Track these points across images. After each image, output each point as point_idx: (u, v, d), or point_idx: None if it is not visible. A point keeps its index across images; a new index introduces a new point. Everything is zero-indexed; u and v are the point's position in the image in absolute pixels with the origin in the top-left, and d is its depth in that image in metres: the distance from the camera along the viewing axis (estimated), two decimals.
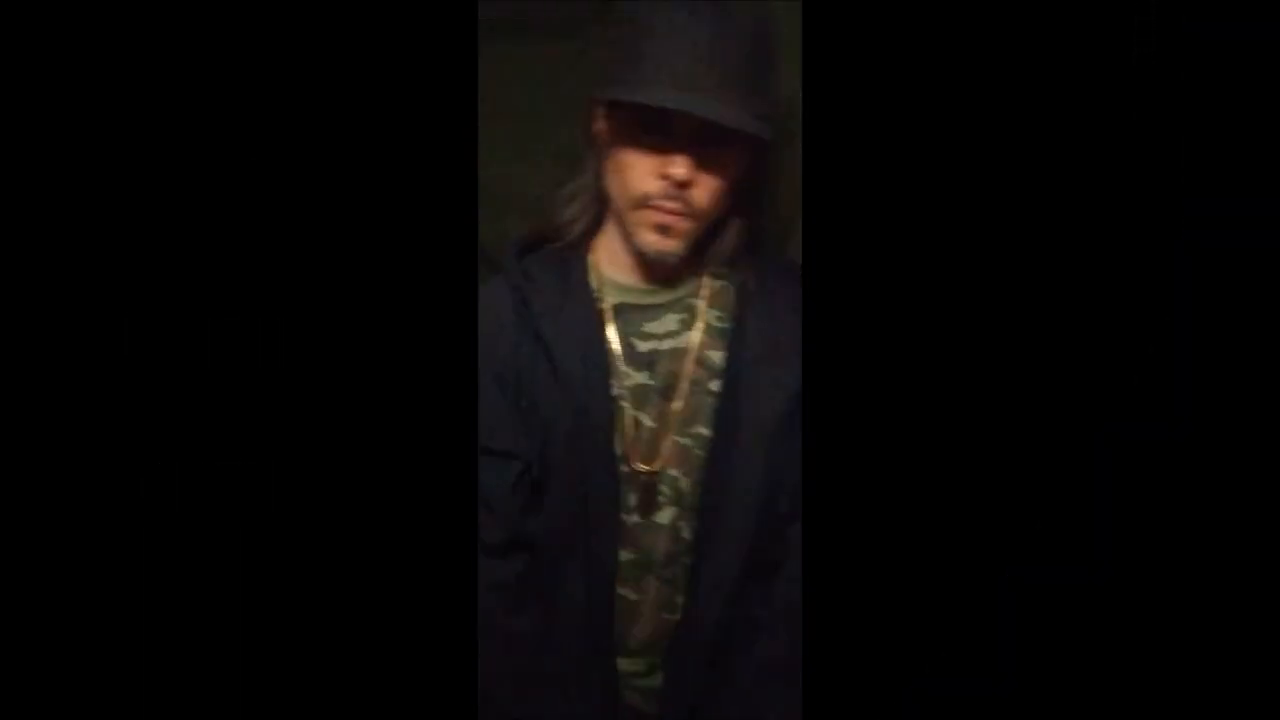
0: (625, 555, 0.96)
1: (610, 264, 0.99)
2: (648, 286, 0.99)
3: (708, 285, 0.99)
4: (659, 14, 0.89)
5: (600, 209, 0.99)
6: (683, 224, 0.92)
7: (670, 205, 0.91)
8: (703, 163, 0.90)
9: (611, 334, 0.97)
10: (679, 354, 0.97)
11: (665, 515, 0.96)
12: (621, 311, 0.98)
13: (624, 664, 0.98)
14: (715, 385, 0.96)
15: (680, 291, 0.99)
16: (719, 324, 0.98)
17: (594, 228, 1.00)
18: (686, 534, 0.96)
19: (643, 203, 0.92)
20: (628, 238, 0.95)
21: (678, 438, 0.96)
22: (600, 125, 0.95)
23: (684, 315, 0.99)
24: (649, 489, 0.96)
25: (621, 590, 0.96)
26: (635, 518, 0.96)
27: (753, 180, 0.98)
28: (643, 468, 0.95)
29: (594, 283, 0.99)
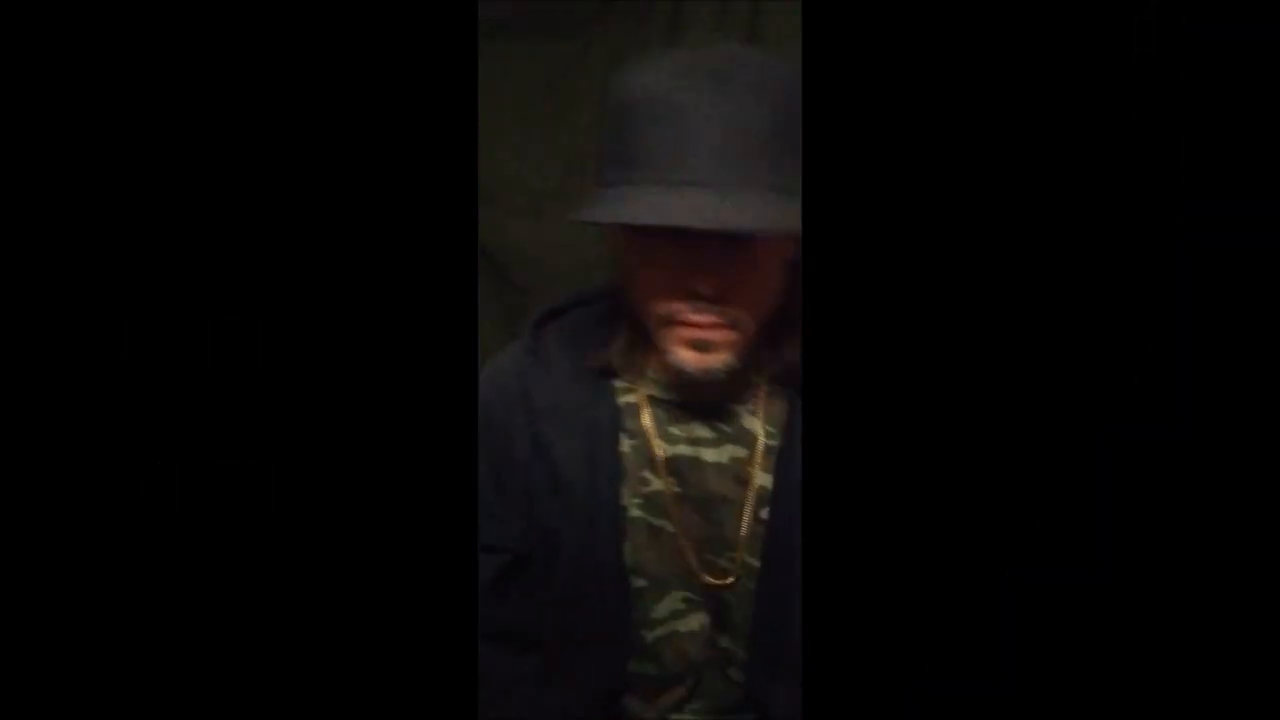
0: (641, 667, 0.87)
1: (649, 355, 0.85)
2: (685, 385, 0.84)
3: (760, 387, 0.85)
4: (651, 103, 0.72)
5: (641, 333, 0.83)
6: (723, 336, 0.77)
7: (702, 319, 0.76)
8: (736, 267, 0.75)
9: (626, 437, 0.85)
10: (717, 470, 0.85)
11: (694, 622, 0.86)
12: (645, 408, 0.85)
13: None
14: (764, 513, 0.84)
15: (718, 393, 0.84)
16: (768, 440, 0.84)
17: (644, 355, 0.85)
18: (726, 643, 0.86)
19: (671, 320, 0.77)
20: (664, 356, 0.80)
21: (716, 558, 0.85)
22: (615, 237, 0.82)
23: (722, 424, 0.85)
24: (718, 604, 0.85)
25: (628, 702, 0.88)
26: (656, 632, 0.86)
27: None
28: (712, 581, 0.84)
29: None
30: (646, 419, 0.85)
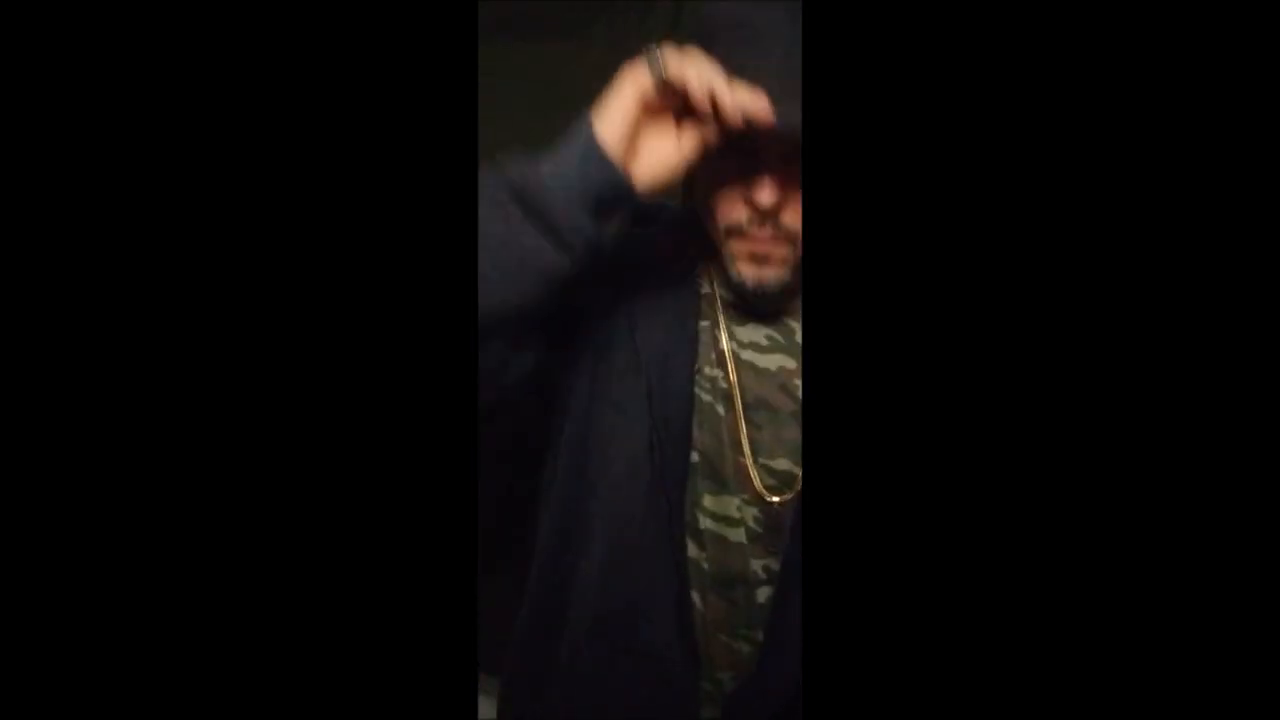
0: (698, 557, 0.90)
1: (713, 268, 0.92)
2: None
3: None
4: (736, 14, 0.80)
5: (702, 239, 0.90)
6: (780, 250, 0.84)
7: (762, 234, 0.83)
8: (793, 180, 0.81)
9: (701, 320, 0.91)
10: (762, 374, 0.90)
11: (738, 535, 0.90)
12: (716, 302, 0.91)
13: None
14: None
15: (777, 305, 0.91)
16: None
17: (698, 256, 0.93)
18: (763, 570, 0.89)
19: (734, 233, 0.84)
20: (726, 270, 0.88)
21: (759, 461, 0.89)
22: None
23: (775, 334, 0.91)
24: (773, 520, 0.89)
25: (692, 595, 0.90)
26: (706, 522, 0.90)
27: None
28: (769, 497, 0.89)
29: (697, 270, 0.93)
30: (717, 312, 0.91)
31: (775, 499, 0.89)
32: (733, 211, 0.84)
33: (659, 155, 0.81)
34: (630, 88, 0.79)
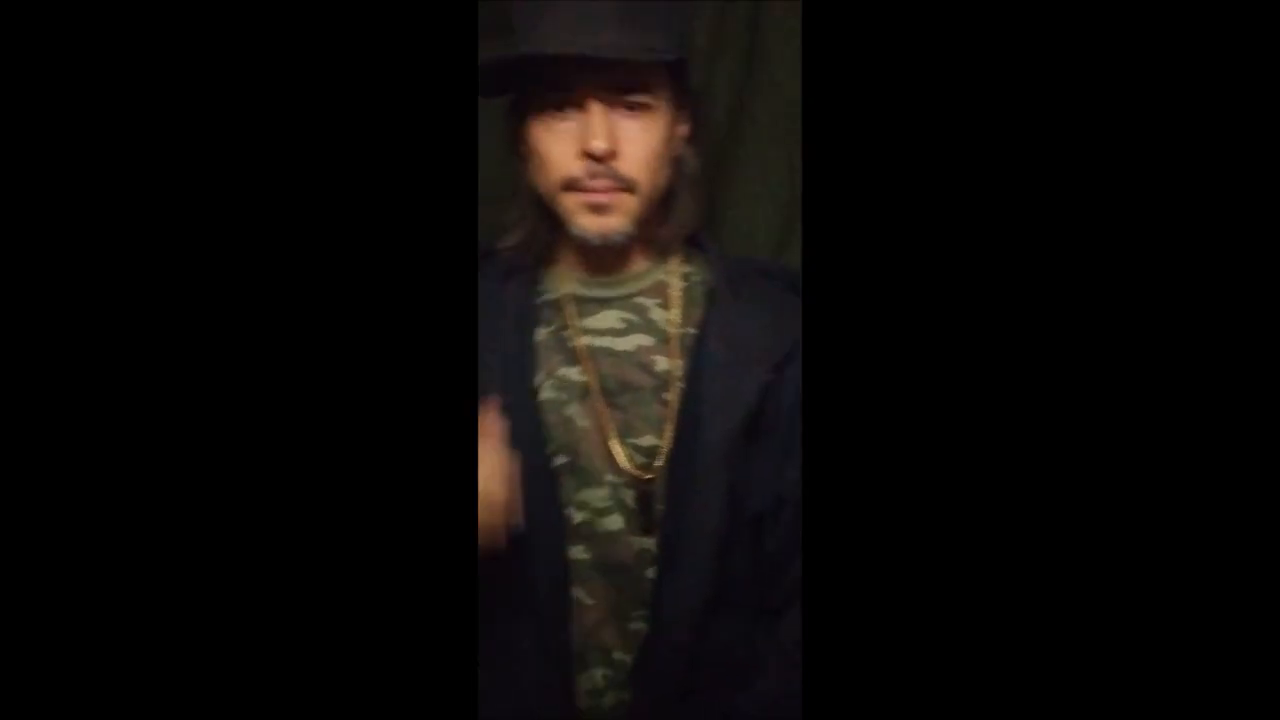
0: (578, 554, 0.90)
1: (564, 260, 0.93)
2: (599, 279, 0.93)
3: (673, 285, 0.93)
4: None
5: (544, 214, 0.90)
6: (620, 200, 0.85)
7: (598, 183, 0.84)
8: (623, 128, 0.84)
9: (543, 326, 0.92)
10: (621, 357, 0.91)
11: (614, 522, 0.90)
12: (564, 304, 0.92)
13: (580, 678, 0.91)
14: (667, 395, 0.90)
15: (630, 288, 0.93)
16: (675, 330, 0.91)
17: (550, 239, 0.92)
18: (649, 546, 0.90)
19: (570, 186, 0.85)
20: (567, 227, 0.88)
21: (627, 441, 0.90)
22: (516, 123, 0.89)
23: (630, 315, 0.92)
24: (644, 498, 0.89)
25: (576, 592, 0.90)
26: (581, 515, 0.90)
27: (699, 149, 0.91)
28: (640, 475, 0.89)
29: (542, 278, 0.94)
30: (567, 313, 0.92)
31: (647, 476, 0.89)
32: (566, 165, 0.85)
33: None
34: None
